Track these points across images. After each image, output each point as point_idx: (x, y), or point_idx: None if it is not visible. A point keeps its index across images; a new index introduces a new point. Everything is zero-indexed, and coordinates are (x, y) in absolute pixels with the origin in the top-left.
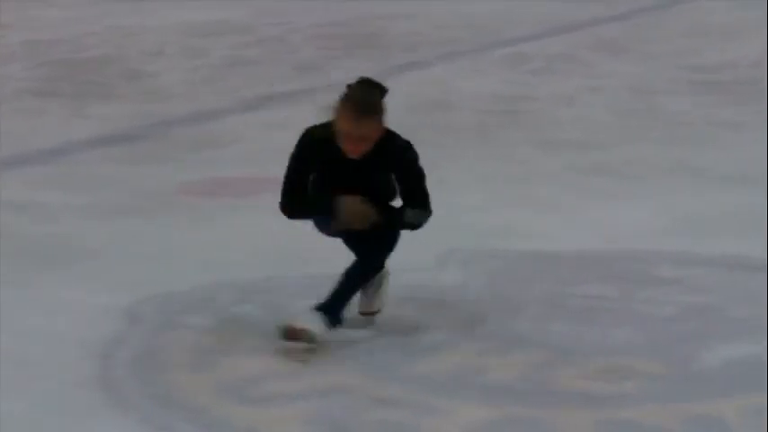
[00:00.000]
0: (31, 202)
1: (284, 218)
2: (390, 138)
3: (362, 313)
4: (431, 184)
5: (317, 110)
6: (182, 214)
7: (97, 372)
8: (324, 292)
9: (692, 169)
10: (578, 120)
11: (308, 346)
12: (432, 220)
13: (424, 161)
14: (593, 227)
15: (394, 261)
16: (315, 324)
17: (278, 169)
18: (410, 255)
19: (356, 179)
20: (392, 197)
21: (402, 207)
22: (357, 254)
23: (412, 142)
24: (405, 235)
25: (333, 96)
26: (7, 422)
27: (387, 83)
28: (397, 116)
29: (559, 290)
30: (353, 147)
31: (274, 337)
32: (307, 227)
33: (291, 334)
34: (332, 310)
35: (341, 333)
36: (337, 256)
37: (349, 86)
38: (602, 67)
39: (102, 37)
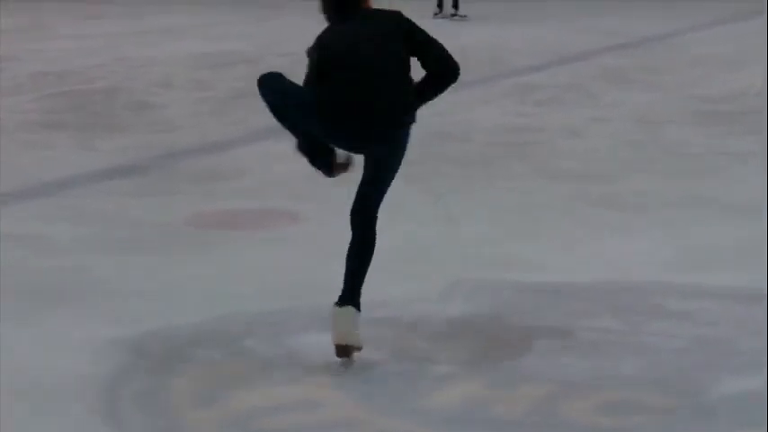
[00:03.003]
0: (37, 236)
1: (289, 250)
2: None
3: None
4: (437, 216)
5: None
6: (188, 247)
7: (103, 406)
8: (327, 323)
9: (699, 200)
10: (585, 151)
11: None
12: (437, 251)
13: (431, 192)
14: (600, 259)
15: (401, 291)
16: (352, 329)
17: (284, 202)
18: (416, 285)
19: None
20: (406, 70)
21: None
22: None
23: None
24: (410, 265)
25: None
26: None
27: None
28: None
29: (566, 322)
30: None
31: (280, 370)
32: (314, 261)
33: (342, 351)
34: (354, 297)
35: (352, 367)
36: (340, 290)
37: None
38: (609, 98)
39: (110, 69)
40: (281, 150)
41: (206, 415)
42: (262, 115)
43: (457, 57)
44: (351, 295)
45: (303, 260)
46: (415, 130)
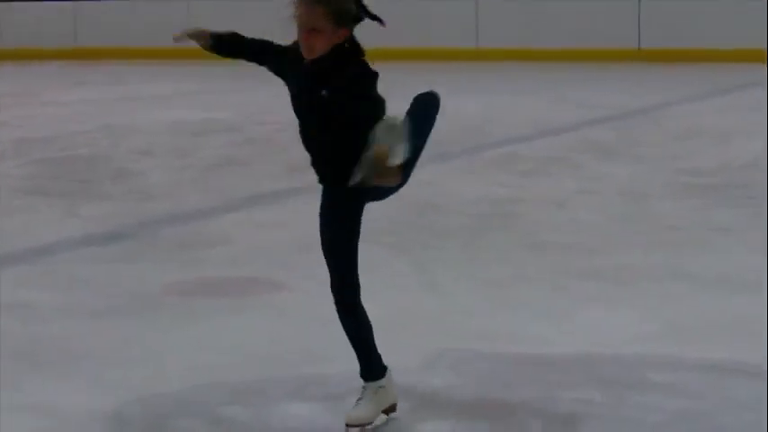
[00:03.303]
0: (17, 302)
1: (272, 318)
2: (351, 51)
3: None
4: (420, 285)
5: None
6: (169, 315)
7: None
8: (311, 393)
9: (682, 273)
10: (569, 223)
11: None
12: (419, 322)
13: (414, 262)
14: (583, 331)
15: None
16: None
17: (265, 270)
18: (399, 356)
19: (308, 90)
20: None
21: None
22: None
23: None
24: (394, 335)
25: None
26: None
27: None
28: (388, 216)
29: (549, 394)
30: (305, 39)
31: None
32: (297, 330)
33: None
34: (375, 366)
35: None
36: (324, 359)
37: None
38: (594, 170)
39: (94, 135)
40: (263, 219)
41: None
42: (243, 183)
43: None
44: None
45: (286, 329)
46: (400, 200)
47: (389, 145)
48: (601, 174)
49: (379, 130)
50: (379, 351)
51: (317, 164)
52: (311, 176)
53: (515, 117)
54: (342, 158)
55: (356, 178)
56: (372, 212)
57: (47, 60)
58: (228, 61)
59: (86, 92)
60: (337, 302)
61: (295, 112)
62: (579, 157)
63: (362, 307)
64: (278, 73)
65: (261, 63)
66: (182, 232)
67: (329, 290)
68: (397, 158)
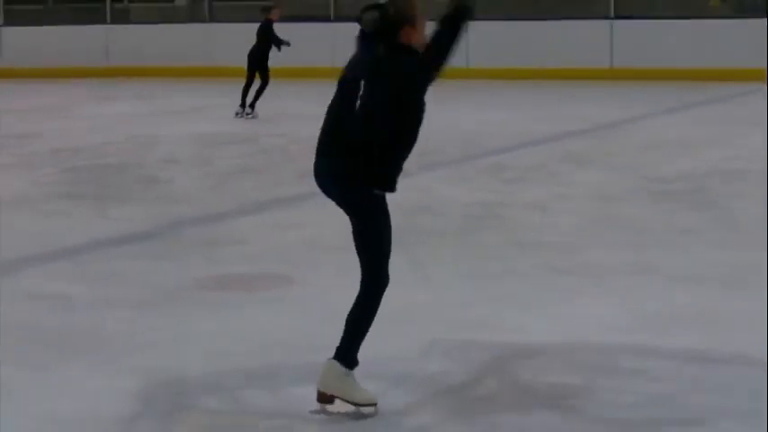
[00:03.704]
0: (53, 294)
1: (283, 310)
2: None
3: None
4: (416, 280)
5: None
6: (191, 306)
7: None
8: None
9: (649, 269)
10: (550, 224)
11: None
12: (416, 314)
13: (411, 260)
14: (562, 321)
15: (386, 349)
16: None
17: (279, 267)
18: (397, 345)
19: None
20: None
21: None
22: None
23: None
24: (393, 326)
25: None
26: None
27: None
28: None
29: (531, 378)
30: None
31: (272, 418)
32: (305, 320)
33: (322, 398)
34: (347, 355)
35: (338, 416)
36: (330, 347)
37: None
38: (570, 177)
39: (122, 146)
40: (276, 220)
41: None
42: (258, 189)
43: (432, 138)
44: (339, 350)
45: (296, 319)
46: (397, 205)
47: None
48: (577, 180)
49: None
50: (380, 340)
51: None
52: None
53: (502, 130)
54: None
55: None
56: None
57: (80, 78)
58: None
59: (116, 106)
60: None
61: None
62: (558, 166)
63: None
64: None
65: None
66: (203, 232)
67: (335, 284)
68: None
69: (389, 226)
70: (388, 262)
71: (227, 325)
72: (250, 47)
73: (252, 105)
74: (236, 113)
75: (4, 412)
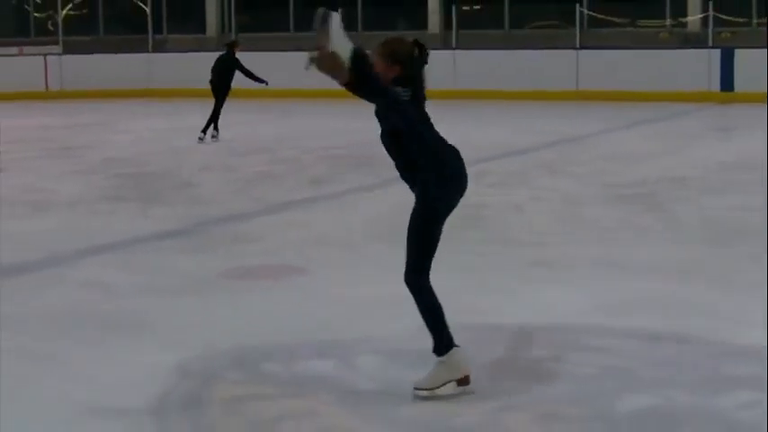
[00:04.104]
0: (102, 282)
1: (297, 296)
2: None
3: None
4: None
5: None
6: (219, 293)
7: (155, 411)
8: (328, 354)
9: (611, 263)
10: (525, 223)
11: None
12: (410, 300)
13: (401, 255)
14: (535, 306)
15: (384, 331)
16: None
17: (292, 259)
18: (397, 325)
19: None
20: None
21: None
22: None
23: (397, 237)
24: (390, 311)
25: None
26: None
27: (378, 194)
28: (387, 219)
29: (509, 355)
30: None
31: (289, 388)
32: (317, 305)
33: (464, 380)
34: (440, 346)
35: (345, 386)
36: (338, 328)
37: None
38: (543, 183)
39: (161, 156)
40: (291, 220)
41: (233, 421)
42: (276, 193)
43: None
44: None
45: (307, 304)
46: (397, 206)
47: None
48: (548, 186)
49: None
50: (382, 320)
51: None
52: (327, 187)
53: (484, 142)
54: (402, 167)
55: (307, 65)
56: (375, 217)
57: (126, 99)
58: (262, 98)
59: (155, 123)
60: (406, 283)
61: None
62: (532, 173)
63: (428, 289)
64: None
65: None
66: (228, 230)
67: (343, 274)
68: (337, 49)
69: None
70: None
71: (248, 309)
72: (216, 75)
73: (204, 131)
74: (201, 138)
75: (63, 380)
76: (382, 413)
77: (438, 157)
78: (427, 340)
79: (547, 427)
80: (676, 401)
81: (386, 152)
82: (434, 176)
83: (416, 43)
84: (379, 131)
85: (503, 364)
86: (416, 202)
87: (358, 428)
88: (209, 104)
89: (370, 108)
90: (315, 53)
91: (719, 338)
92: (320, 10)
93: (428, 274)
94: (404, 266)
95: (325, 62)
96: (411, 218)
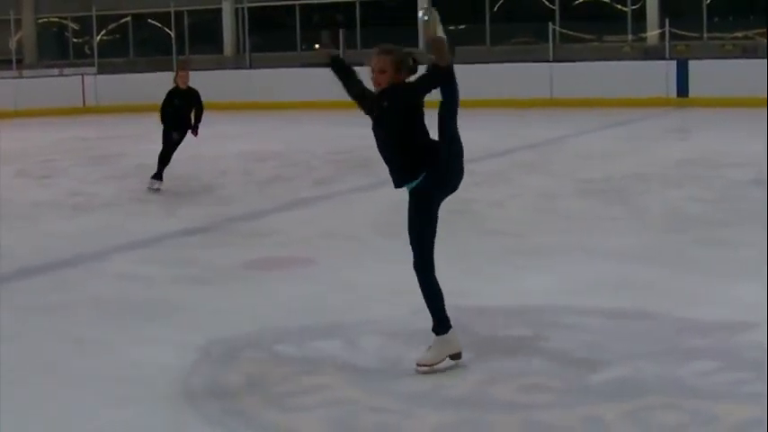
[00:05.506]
0: (136, 274)
1: (307, 283)
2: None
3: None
4: (406, 260)
5: None
6: (238, 282)
7: (181, 388)
8: (336, 334)
9: (583, 249)
10: (506, 216)
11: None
12: (407, 285)
13: (402, 245)
14: (515, 289)
15: (383, 311)
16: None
17: (306, 252)
18: (392, 308)
19: (377, 107)
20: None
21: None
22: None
23: (390, 229)
24: (388, 294)
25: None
26: (110, 428)
27: (377, 192)
28: (384, 214)
29: (493, 333)
30: (375, 78)
31: (301, 365)
32: (326, 292)
33: (456, 356)
34: (439, 326)
35: (350, 363)
36: (342, 311)
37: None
38: (521, 181)
39: (187, 162)
40: (301, 216)
41: (252, 396)
42: (288, 193)
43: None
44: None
45: (316, 291)
46: (394, 204)
47: (433, 21)
48: (526, 183)
49: (429, 15)
50: (379, 305)
51: (390, 172)
52: (332, 187)
53: (470, 145)
54: (398, 166)
55: (425, 60)
56: (375, 213)
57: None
58: (276, 109)
59: None
60: (415, 270)
61: (373, 131)
62: (512, 172)
63: (433, 277)
64: (356, 97)
65: (350, 87)
66: (247, 226)
67: (350, 264)
68: (440, 32)
69: None
70: None
71: (265, 295)
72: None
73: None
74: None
75: (105, 359)
76: (383, 386)
77: (450, 148)
78: (421, 323)
79: (529, 396)
80: (644, 371)
81: (382, 158)
82: (443, 163)
83: (410, 54)
84: (375, 144)
85: (488, 342)
86: (410, 199)
87: (362, 400)
88: (228, 116)
89: (368, 117)
90: (432, 12)
91: (678, 314)
92: (426, 7)
93: (433, 264)
94: (403, 258)
95: (440, 44)
96: (409, 214)
